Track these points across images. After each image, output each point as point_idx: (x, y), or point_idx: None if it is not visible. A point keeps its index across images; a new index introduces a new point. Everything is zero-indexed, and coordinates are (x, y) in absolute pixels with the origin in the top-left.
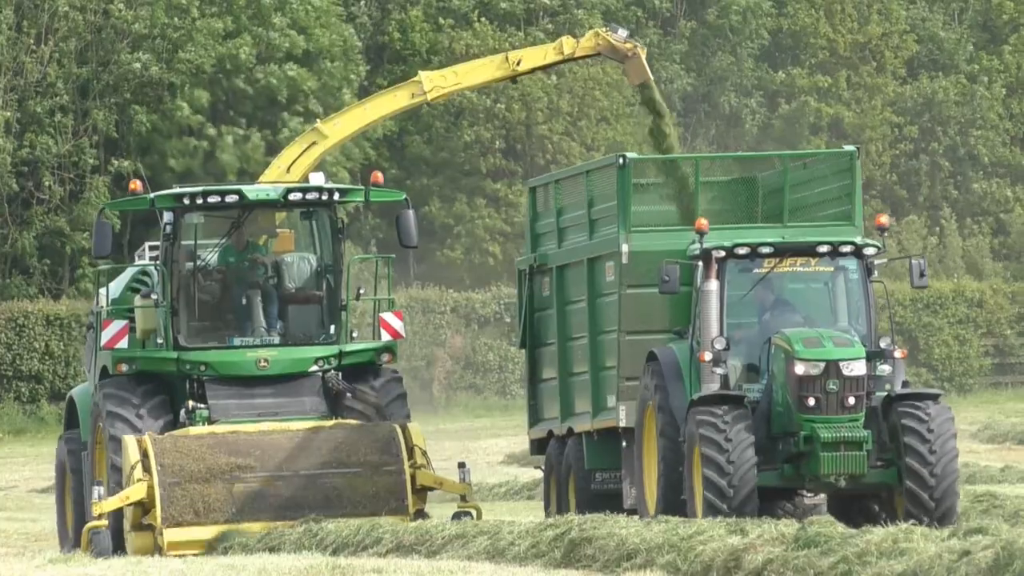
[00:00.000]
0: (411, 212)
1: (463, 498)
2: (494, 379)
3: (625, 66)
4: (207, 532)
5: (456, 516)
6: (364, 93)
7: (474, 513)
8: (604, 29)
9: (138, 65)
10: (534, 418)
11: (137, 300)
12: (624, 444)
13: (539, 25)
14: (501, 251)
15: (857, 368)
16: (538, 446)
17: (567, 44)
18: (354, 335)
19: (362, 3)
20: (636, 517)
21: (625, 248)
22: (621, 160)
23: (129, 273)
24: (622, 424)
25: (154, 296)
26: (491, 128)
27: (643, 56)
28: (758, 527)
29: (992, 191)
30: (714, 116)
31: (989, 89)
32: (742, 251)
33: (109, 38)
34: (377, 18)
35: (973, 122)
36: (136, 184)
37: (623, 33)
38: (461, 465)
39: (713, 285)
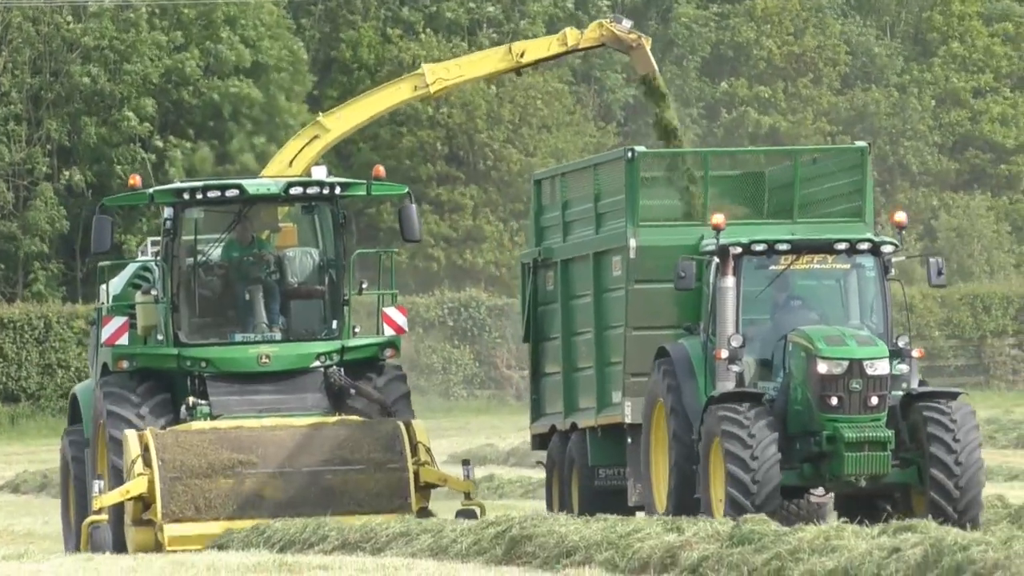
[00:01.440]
0: (413, 206)
1: (467, 495)
2: (438, 381)
3: (631, 56)
4: (208, 528)
5: (460, 514)
6: (313, 104)
7: (478, 511)
8: (608, 20)
9: (87, 79)
10: (536, 413)
11: (138, 296)
12: (629, 440)
13: (483, 34)
14: (444, 256)
15: (881, 367)
16: (540, 441)
17: (571, 36)
18: (356, 330)
19: (313, 16)
20: (575, 516)
21: (633, 243)
22: (630, 154)
23: (131, 269)
24: (627, 420)
25: (154, 292)
26: (434, 135)
27: (647, 47)
28: (694, 525)
29: (918, 200)
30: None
31: (919, 100)
32: (759, 248)
33: (60, 50)
34: (326, 32)
35: (903, 132)
36: (135, 179)
37: (627, 24)
38: (465, 463)
39: (730, 282)
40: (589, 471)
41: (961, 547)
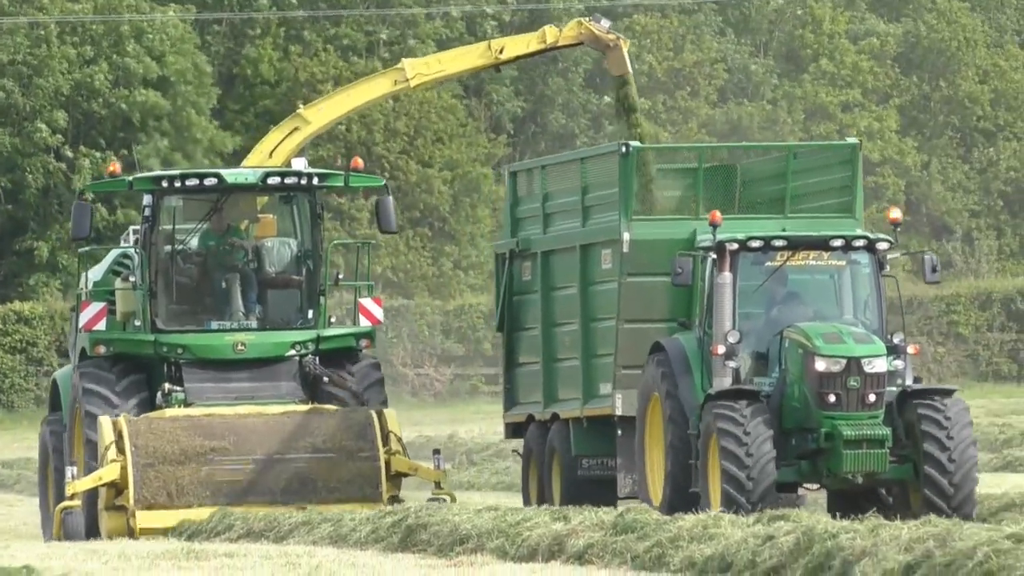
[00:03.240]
0: (390, 198)
1: (437, 484)
2: None
3: (607, 56)
4: (179, 516)
5: (431, 502)
6: (217, 116)
7: (448, 499)
8: (587, 19)
9: (1, 93)
10: (510, 402)
11: (117, 283)
12: (620, 432)
13: (378, 55)
14: (344, 262)
15: (879, 365)
16: (513, 430)
17: (550, 33)
18: (332, 320)
19: (217, 33)
20: (469, 506)
21: (627, 236)
22: (624, 149)
23: (112, 256)
24: (619, 412)
25: (132, 279)
26: (333, 148)
27: (625, 48)
28: (580, 514)
29: None
30: (542, 136)
31: (790, 114)
32: (755, 244)
33: None
34: (230, 48)
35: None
36: (115, 166)
37: (606, 24)
38: (436, 452)
39: (727, 278)
40: (572, 461)
41: (831, 535)
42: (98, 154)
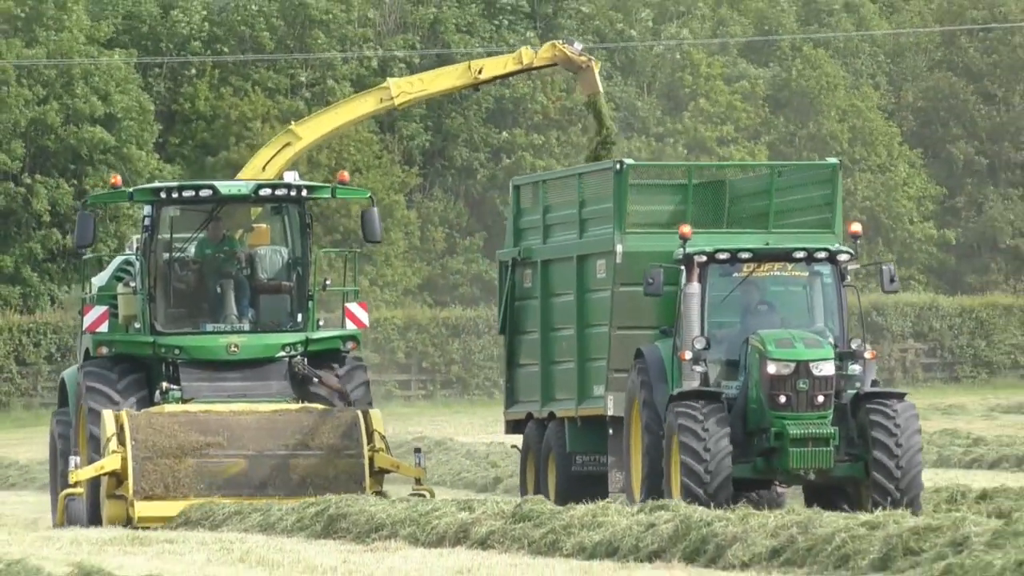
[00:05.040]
0: (375, 209)
1: (418, 481)
2: None
3: (578, 77)
4: (176, 507)
5: (412, 496)
6: (159, 149)
7: (427, 495)
8: (560, 41)
9: None
10: (511, 400)
11: (120, 288)
12: (611, 432)
13: (301, 95)
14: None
15: (826, 368)
16: (513, 426)
17: (526, 55)
18: (320, 323)
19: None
20: (384, 498)
21: (620, 248)
22: (619, 165)
23: (116, 263)
24: (610, 412)
25: (133, 284)
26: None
27: (596, 69)
28: (483, 505)
29: None
30: (448, 168)
31: (673, 148)
32: (723, 256)
33: None
34: (170, 87)
35: (660, 175)
36: (116, 178)
37: (578, 46)
38: (417, 450)
39: (695, 288)
40: (567, 457)
41: (706, 523)
42: (52, 182)
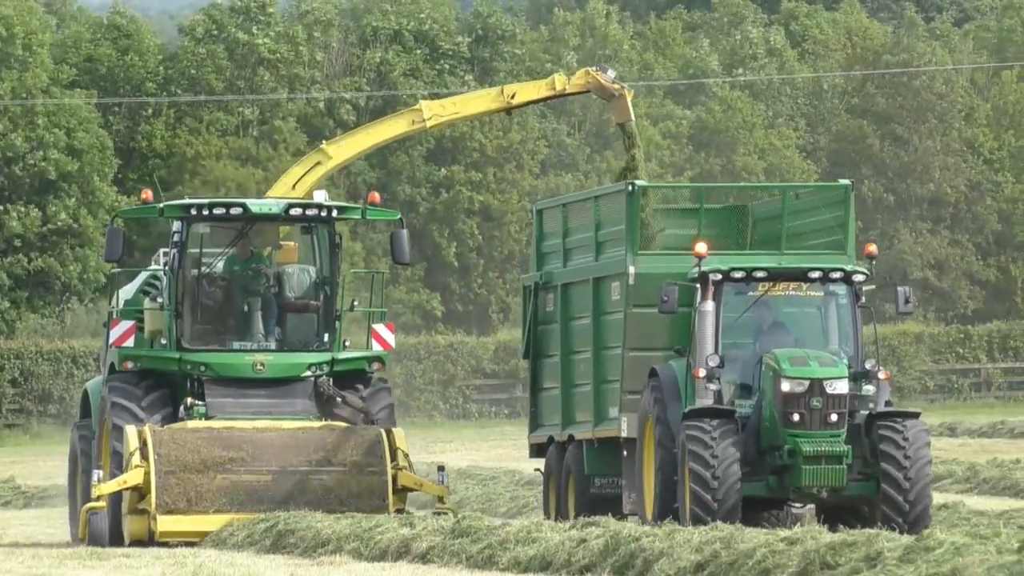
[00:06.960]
0: (404, 231)
1: (440, 500)
2: None
3: (611, 104)
4: (198, 520)
5: (435, 515)
6: (118, 184)
7: (451, 514)
8: (594, 68)
9: None
10: (534, 424)
11: (146, 303)
12: (625, 453)
13: (247, 135)
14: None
15: (840, 387)
16: (537, 450)
17: (559, 81)
18: (346, 344)
19: (117, 113)
20: (332, 514)
21: (632, 270)
22: (630, 187)
23: (142, 277)
24: (624, 434)
25: (160, 300)
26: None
27: (629, 98)
28: (423, 522)
29: None
30: (392, 203)
31: (599, 183)
32: (738, 275)
33: None
34: (129, 126)
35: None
36: (147, 194)
37: (611, 74)
38: (440, 469)
39: (709, 306)
40: (585, 480)
41: (634, 538)
42: (22, 208)
